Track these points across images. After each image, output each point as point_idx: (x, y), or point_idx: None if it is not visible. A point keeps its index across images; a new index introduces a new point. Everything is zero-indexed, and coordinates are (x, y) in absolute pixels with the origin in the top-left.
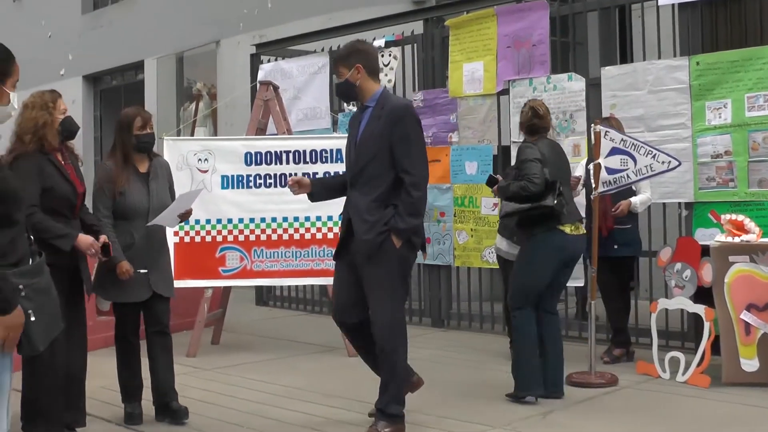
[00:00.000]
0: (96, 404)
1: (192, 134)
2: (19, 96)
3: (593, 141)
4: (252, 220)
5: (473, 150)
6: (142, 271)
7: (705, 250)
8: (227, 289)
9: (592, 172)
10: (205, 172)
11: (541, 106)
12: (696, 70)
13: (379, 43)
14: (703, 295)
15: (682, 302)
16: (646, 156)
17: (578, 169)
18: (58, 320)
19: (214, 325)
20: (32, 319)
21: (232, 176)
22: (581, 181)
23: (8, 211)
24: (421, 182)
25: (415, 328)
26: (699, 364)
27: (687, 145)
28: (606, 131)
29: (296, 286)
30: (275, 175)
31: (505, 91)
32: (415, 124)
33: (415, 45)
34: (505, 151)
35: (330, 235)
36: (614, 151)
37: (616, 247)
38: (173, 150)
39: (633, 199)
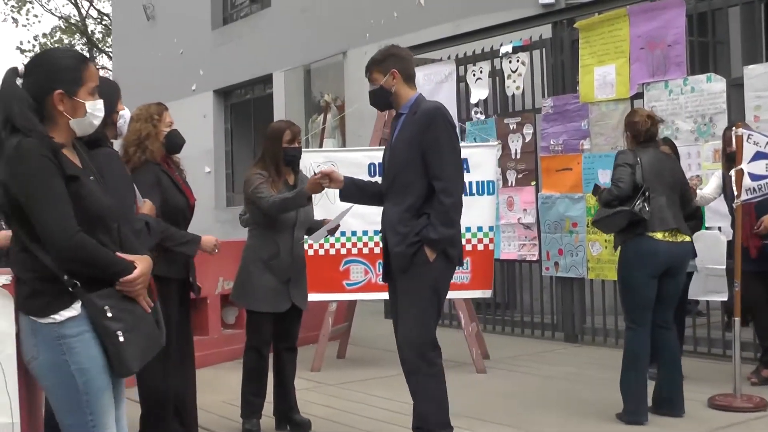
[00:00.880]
0: (213, 419)
1: (320, 146)
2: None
3: (735, 145)
4: (376, 232)
5: (606, 157)
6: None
7: None
8: (353, 302)
9: (734, 178)
10: None
11: (641, 115)
12: None
13: (507, 48)
14: None
15: None
16: None
17: (713, 178)
18: (156, 339)
19: (340, 339)
20: (121, 339)
21: None
22: (698, 184)
23: (93, 232)
24: (452, 188)
25: (547, 344)
26: None
27: None
28: (749, 134)
29: None
30: None
31: (639, 95)
32: (446, 126)
33: (544, 49)
34: None
35: None
36: (758, 156)
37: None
38: None
39: None
